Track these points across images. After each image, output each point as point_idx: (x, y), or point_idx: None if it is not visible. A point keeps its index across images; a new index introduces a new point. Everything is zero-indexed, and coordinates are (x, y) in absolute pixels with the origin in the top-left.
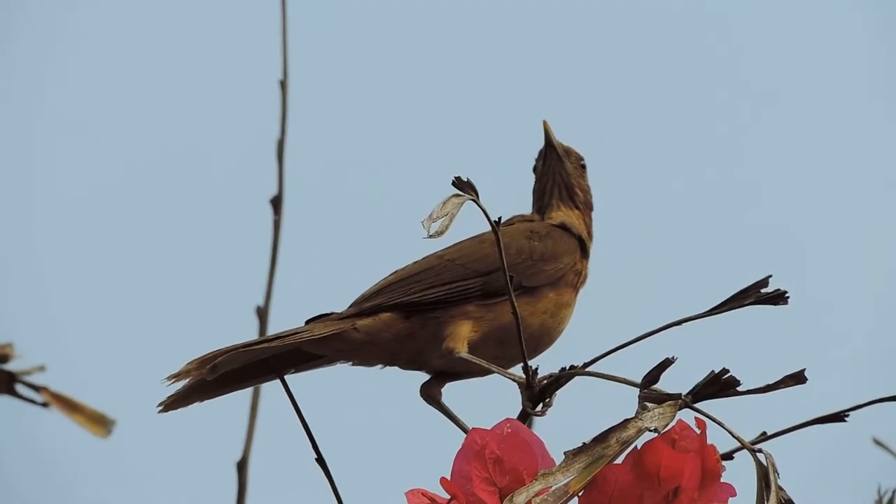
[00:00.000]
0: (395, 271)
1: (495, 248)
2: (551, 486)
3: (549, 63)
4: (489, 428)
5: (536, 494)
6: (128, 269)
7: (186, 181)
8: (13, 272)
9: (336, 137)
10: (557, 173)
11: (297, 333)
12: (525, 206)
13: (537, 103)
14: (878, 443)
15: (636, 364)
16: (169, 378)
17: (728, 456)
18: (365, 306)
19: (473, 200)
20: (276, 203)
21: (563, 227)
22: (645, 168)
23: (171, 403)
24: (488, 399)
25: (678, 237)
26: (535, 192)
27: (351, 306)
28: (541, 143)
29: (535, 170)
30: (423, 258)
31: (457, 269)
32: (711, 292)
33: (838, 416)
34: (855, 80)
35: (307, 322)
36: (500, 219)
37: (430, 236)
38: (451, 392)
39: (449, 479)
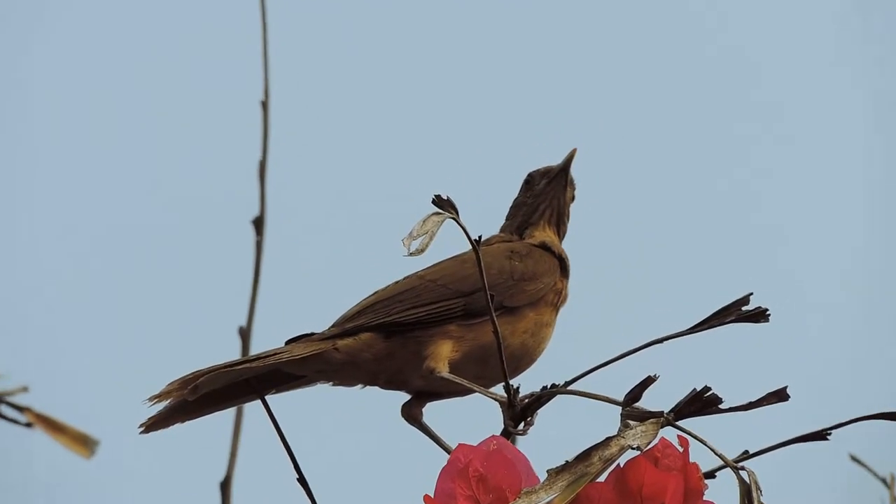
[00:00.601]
0: (376, 291)
1: (476, 268)
2: None
3: (527, 87)
4: (475, 445)
5: None
6: (110, 290)
7: (168, 202)
8: None
9: (317, 158)
10: (556, 198)
11: (277, 354)
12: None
13: (518, 121)
14: (854, 459)
15: (618, 382)
16: (150, 399)
17: (710, 474)
18: (346, 327)
19: (453, 219)
20: (258, 224)
21: (544, 246)
22: (625, 186)
23: (153, 424)
24: (470, 418)
25: (660, 254)
26: (519, 205)
27: (332, 327)
28: (547, 162)
29: (528, 184)
30: (404, 278)
31: (438, 289)
32: (694, 309)
33: (820, 435)
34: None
35: (287, 343)
36: (480, 238)
37: (411, 254)
38: (433, 412)
39: (433, 497)
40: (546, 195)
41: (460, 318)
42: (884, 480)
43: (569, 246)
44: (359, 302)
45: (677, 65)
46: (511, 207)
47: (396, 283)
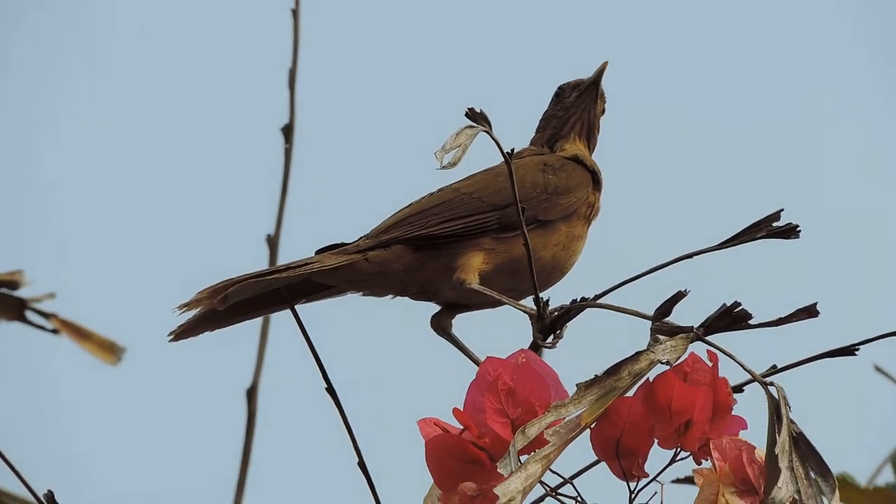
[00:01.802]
0: (411, 204)
1: (515, 183)
2: (564, 418)
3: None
4: (503, 358)
5: (549, 426)
6: (139, 197)
7: (199, 109)
8: (23, 199)
9: (348, 66)
10: (587, 111)
11: (307, 264)
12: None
13: (548, 33)
14: (879, 370)
15: (648, 297)
16: (179, 307)
17: (739, 388)
18: (382, 238)
19: (486, 132)
20: (288, 131)
21: (576, 159)
22: (661, 102)
23: (182, 333)
24: (499, 330)
25: (691, 169)
26: (549, 118)
27: (367, 238)
28: (578, 75)
29: (559, 96)
30: (439, 191)
31: (474, 202)
32: (725, 224)
33: (848, 350)
34: None
35: (317, 252)
36: (512, 150)
37: (444, 167)
38: (462, 323)
39: (462, 409)
40: (577, 108)
41: (495, 231)
42: None
43: (600, 159)
44: (394, 213)
45: None
46: (541, 120)
47: (431, 195)
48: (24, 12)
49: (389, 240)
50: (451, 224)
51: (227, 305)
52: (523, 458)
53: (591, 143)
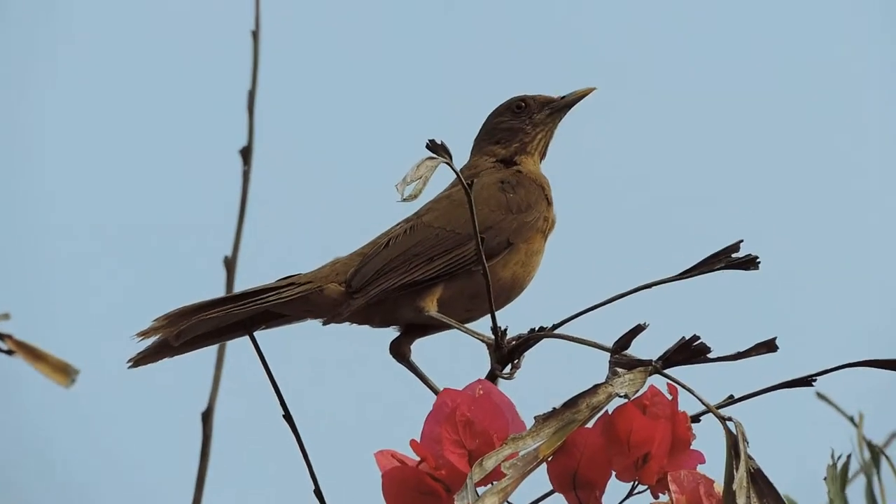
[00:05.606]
0: (387, 242)
1: (481, 208)
2: (521, 451)
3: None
4: (460, 389)
5: (506, 459)
6: (97, 218)
7: (156, 131)
8: None
9: (307, 89)
10: (553, 130)
11: (262, 295)
12: None
13: (512, 65)
14: (821, 397)
15: (606, 326)
16: (138, 335)
17: (695, 419)
18: (372, 292)
19: (447, 163)
20: (246, 154)
21: (529, 175)
22: (625, 128)
23: (142, 359)
24: (457, 355)
25: (653, 200)
26: (515, 131)
27: (351, 289)
28: (548, 92)
29: (521, 109)
30: (406, 224)
31: (449, 235)
32: (685, 256)
33: (805, 381)
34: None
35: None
36: (472, 182)
37: (404, 200)
38: (421, 349)
39: (419, 440)
40: (546, 125)
41: (474, 263)
42: (851, 419)
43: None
44: (374, 251)
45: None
46: (501, 130)
47: (402, 231)
48: None
49: (380, 291)
50: (436, 264)
51: (181, 342)
52: (480, 490)
53: (542, 159)
